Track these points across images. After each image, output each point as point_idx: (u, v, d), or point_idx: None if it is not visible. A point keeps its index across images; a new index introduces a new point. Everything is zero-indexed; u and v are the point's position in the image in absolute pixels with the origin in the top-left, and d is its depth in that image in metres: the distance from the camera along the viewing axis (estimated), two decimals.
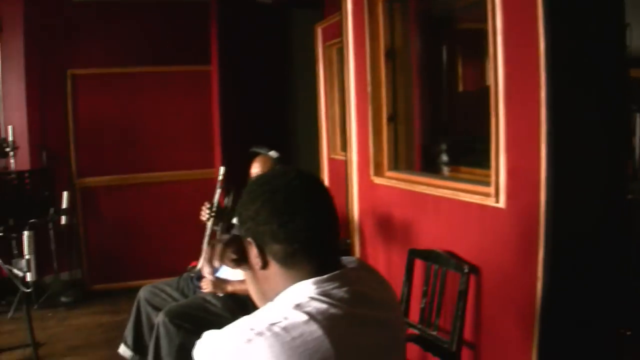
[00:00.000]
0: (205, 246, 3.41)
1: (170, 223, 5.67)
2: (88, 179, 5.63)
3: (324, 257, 1.35)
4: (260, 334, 1.20)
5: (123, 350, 3.59)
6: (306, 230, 1.31)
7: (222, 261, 1.43)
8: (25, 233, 3.00)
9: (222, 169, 3.58)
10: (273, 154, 3.54)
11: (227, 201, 3.65)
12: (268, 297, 1.35)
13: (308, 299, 1.26)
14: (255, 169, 3.54)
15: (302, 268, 1.31)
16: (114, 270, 5.66)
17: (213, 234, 3.61)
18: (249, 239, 1.33)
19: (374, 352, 1.32)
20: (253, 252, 1.34)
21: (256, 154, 3.63)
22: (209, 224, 3.58)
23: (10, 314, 4.90)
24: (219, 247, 1.43)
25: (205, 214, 3.61)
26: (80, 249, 5.65)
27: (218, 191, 3.61)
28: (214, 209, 3.57)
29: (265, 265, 1.34)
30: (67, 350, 4.38)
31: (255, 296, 1.43)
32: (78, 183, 5.56)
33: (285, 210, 1.30)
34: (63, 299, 5.33)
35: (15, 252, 4.84)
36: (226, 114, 5.27)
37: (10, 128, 5.11)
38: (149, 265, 5.39)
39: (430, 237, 3.05)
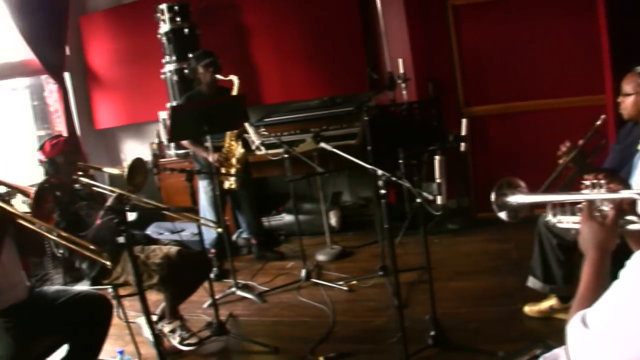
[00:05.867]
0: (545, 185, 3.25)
1: (555, 152, 5.74)
2: (475, 107, 6.03)
3: None
4: None
5: (532, 282, 3.86)
6: None
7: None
8: (437, 157, 3.33)
9: (602, 117, 3.39)
10: None
11: (592, 151, 3.42)
12: None
13: None
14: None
15: None
16: None
17: (560, 178, 3.42)
18: None
19: None
20: None
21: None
22: (560, 167, 3.40)
23: (398, 239, 5.51)
24: None
25: (562, 153, 3.44)
26: (468, 177, 6.10)
27: (588, 135, 3.42)
28: (575, 153, 3.37)
29: None
30: (454, 275, 4.85)
31: None
32: (465, 112, 5.95)
33: None
34: (450, 226, 5.89)
35: (415, 178, 5.36)
36: (614, 33, 5.06)
37: (400, 61, 5.67)
38: None
39: None
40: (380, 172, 3.29)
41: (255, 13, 6.60)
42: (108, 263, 3.09)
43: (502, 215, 2.18)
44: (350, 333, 4.22)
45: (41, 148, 3.99)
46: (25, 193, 3.07)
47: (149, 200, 4.01)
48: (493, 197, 2.18)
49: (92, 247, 3.05)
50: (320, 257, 5.69)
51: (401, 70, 5.62)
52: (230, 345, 4.27)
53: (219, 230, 4.84)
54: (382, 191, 3.35)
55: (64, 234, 3.16)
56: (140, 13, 6.83)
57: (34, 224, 3.01)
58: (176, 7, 6.25)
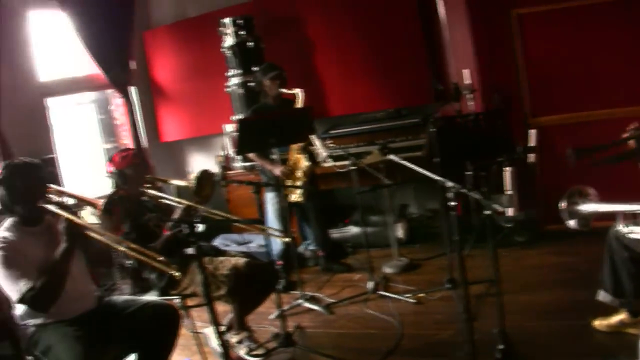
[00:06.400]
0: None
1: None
2: (541, 118, 5.95)
3: None
4: None
5: (602, 296, 3.80)
6: None
7: None
8: (507, 169, 3.37)
9: None
10: None
11: None
12: None
13: None
14: None
15: None
16: None
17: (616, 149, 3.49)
18: None
19: None
20: None
21: None
22: (621, 139, 3.47)
23: (466, 251, 5.37)
24: None
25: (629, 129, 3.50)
26: (535, 189, 5.93)
27: None
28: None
29: None
30: (521, 289, 4.79)
31: None
32: (532, 123, 5.89)
33: None
34: (517, 238, 5.79)
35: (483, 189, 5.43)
36: None
37: (466, 72, 5.68)
38: None
39: None
40: (450, 183, 3.33)
41: (318, 26, 6.72)
42: (177, 274, 3.21)
43: (572, 223, 2.21)
44: (417, 346, 4.25)
45: (111, 160, 4.16)
46: (93, 205, 3.21)
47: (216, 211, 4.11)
48: (564, 205, 2.21)
49: (160, 258, 3.18)
50: (387, 269, 5.74)
51: (467, 81, 5.62)
52: (297, 356, 4.34)
53: (287, 239, 4.94)
54: (452, 203, 3.40)
55: (133, 245, 3.30)
56: (203, 27, 7.03)
57: (103, 236, 3.16)
58: (240, 21, 6.42)
